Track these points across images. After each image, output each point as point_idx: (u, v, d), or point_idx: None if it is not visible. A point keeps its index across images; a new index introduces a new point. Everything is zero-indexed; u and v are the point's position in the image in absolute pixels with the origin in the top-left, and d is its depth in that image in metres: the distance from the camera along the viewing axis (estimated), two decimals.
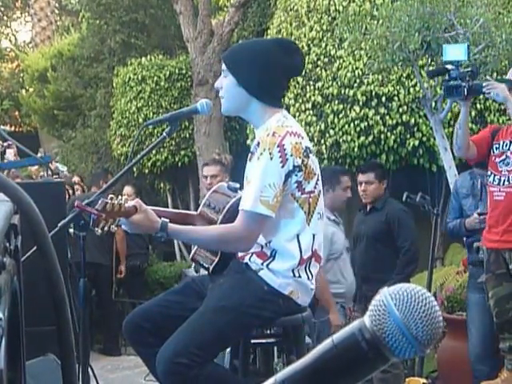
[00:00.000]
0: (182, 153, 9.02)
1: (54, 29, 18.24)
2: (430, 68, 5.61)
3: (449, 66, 4.19)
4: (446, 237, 6.05)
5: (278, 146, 2.61)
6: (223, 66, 2.83)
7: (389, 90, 6.32)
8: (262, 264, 2.71)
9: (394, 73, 6.23)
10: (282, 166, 2.62)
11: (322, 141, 6.51)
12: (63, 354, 1.08)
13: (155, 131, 8.74)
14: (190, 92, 9.04)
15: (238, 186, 3.02)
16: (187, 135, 8.99)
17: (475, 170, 4.70)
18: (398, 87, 6.31)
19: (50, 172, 6.35)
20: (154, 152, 8.60)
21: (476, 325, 4.62)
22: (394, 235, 5.17)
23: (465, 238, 4.93)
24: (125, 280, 7.60)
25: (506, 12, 5.82)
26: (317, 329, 4.50)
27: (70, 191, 7.78)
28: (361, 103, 6.37)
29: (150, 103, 9.15)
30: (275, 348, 4.42)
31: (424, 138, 6.28)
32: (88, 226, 2.80)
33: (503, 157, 4.14)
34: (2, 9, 22.35)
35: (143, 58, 9.48)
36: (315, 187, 2.73)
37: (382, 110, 6.32)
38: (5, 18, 22.69)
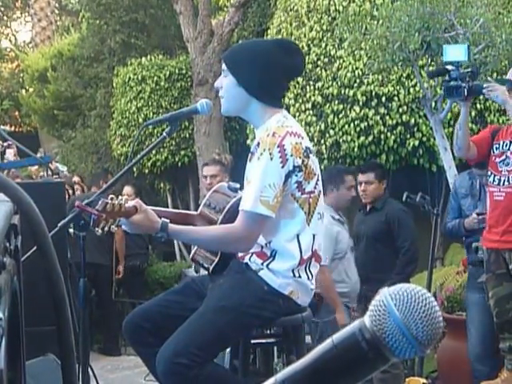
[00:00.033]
0: (182, 153, 9.03)
1: (53, 29, 18.25)
2: (430, 68, 5.62)
3: (449, 67, 4.19)
4: (445, 237, 6.05)
5: (278, 147, 2.61)
6: (223, 66, 2.83)
7: (389, 90, 6.32)
8: (262, 264, 2.71)
9: (394, 73, 6.23)
10: (282, 167, 2.61)
11: (322, 141, 6.51)
12: (63, 354, 1.08)
13: (155, 131, 8.74)
14: (189, 92, 9.05)
15: (238, 186, 3.02)
16: (187, 135, 8.99)
17: (474, 170, 4.70)
18: (398, 87, 6.32)
19: (49, 172, 6.35)
20: (154, 152, 8.60)
21: (475, 325, 4.62)
22: (393, 235, 5.17)
23: (464, 238, 4.93)
24: (125, 280, 7.60)
25: (506, 12, 5.82)
26: (319, 329, 4.50)
27: (70, 191, 7.78)
28: (361, 103, 6.37)
29: (149, 103, 9.15)
30: (275, 348, 4.43)
31: (424, 138, 6.28)
32: (88, 226, 2.80)
33: (503, 157, 4.14)
34: (2, 9, 22.36)
35: (143, 58, 9.48)
36: (315, 187, 2.73)
37: (382, 110, 6.32)
38: (5, 18, 22.69)
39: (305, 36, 6.85)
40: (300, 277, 2.71)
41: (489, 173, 4.20)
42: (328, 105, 6.52)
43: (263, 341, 3.16)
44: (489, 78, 4.10)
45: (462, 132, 4.15)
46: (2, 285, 0.93)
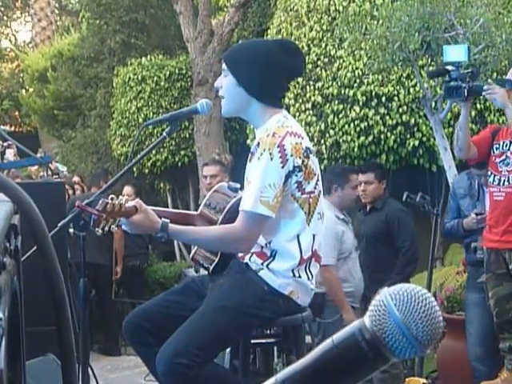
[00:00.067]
0: (182, 153, 9.03)
1: (54, 29, 18.24)
2: (430, 68, 5.62)
3: (449, 67, 4.19)
4: (446, 237, 6.05)
5: (278, 147, 2.61)
6: (223, 66, 2.83)
7: (389, 90, 6.32)
8: (262, 264, 2.71)
9: (394, 73, 6.23)
10: (282, 167, 2.61)
11: (322, 141, 6.51)
12: (63, 354, 1.08)
13: (155, 131, 8.74)
14: (189, 92, 9.04)
15: (238, 186, 3.02)
16: (187, 135, 8.99)
17: (472, 170, 4.70)
18: (398, 87, 6.32)
19: (49, 172, 6.35)
20: (153, 152, 8.60)
21: (474, 325, 4.62)
22: (393, 235, 5.17)
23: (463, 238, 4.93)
24: (125, 280, 7.60)
25: (506, 12, 5.82)
26: (322, 330, 4.50)
27: (70, 191, 7.77)
28: (361, 103, 6.37)
29: (150, 103, 9.15)
30: (275, 348, 4.43)
31: (424, 138, 6.28)
32: (88, 226, 2.80)
33: (503, 157, 4.14)
34: (2, 9, 22.36)
35: (143, 58, 9.48)
36: (315, 187, 2.73)
37: (382, 110, 6.32)
38: (5, 18, 22.69)
39: (305, 36, 6.85)
40: (300, 277, 2.71)
41: (489, 173, 4.20)
42: (328, 105, 6.51)
43: (263, 341, 3.16)
44: (489, 80, 4.09)
45: (462, 133, 4.15)
46: (2, 285, 0.93)
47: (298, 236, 2.69)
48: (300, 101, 6.70)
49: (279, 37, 6.93)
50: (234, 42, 8.65)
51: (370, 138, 6.34)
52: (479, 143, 4.24)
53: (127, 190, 7.53)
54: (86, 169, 10.60)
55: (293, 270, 2.70)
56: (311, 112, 6.61)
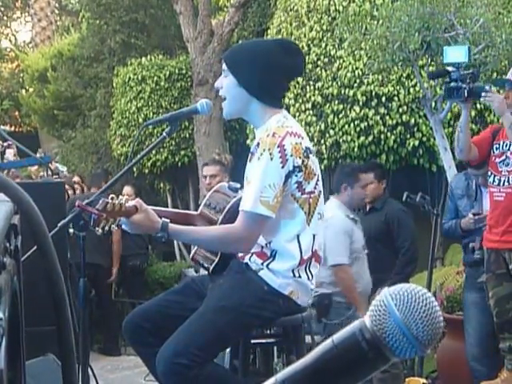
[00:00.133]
0: (182, 153, 9.03)
1: (54, 29, 18.25)
2: (430, 68, 5.62)
3: (449, 68, 4.19)
4: (445, 237, 6.05)
5: (278, 147, 2.61)
6: (224, 66, 2.83)
7: (389, 90, 6.32)
8: (262, 264, 2.71)
9: (394, 73, 6.23)
10: (282, 167, 2.61)
11: (322, 141, 6.51)
12: (63, 354, 1.07)
13: (155, 131, 8.75)
14: (189, 92, 9.05)
15: (238, 186, 3.02)
16: (187, 135, 8.99)
17: (469, 170, 4.69)
18: (398, 87, 6.32)
19: (49, 172, 6.35)
20: (153, 152, 8.60)
21: (473, 325, 4.62)
22: (393, 235, 5.17)
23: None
24: (125, 280, 7.61)
25: (506, 12, 5.82)
26: (327, 330, 4.49)
27: (70, 191, 7.77)
28: (361, 103, 6.37)
29: (150, 103, 9.15)
30: (275, 348, 4.42)
31: (424, 138, 6.29)
32: (88, 226, 2.80)
33: (503, 157, 4.14)
34: (2, 9, 22.36)
35: (143, 58, 9.48)
36: (315, 187, 2.73)
37: (382, 110, 6.32)
38: (5, 18, 22.70)
39: (305, 36, 6.85)
40: (300, 277, 2.71)
41: (489, 173, 4.20)
42: (328, 105, 6.52)
43: (263, 341, 3.16)
44: (486, 87, 4.08)
45: (463, 134, 4.15)
46: (2, 285, 0.93)
47: (298, 236, 2.69)
48: (300, 101, 6.70)
49: (279, 37, 6.93)
50: (234, 42, 8.66)
51: (370, 138, 6.34)
52: (480, 144, 4.24)
53: (127, 190, 7.53)
54: (85, 169, 10.60)
55: (293, 270, 2.69)
56: (311, 112, 6.61)
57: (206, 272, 2.96)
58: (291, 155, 2.62)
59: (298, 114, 6.59)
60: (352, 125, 6.38)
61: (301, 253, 2.69)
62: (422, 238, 5.40)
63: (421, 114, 6.20)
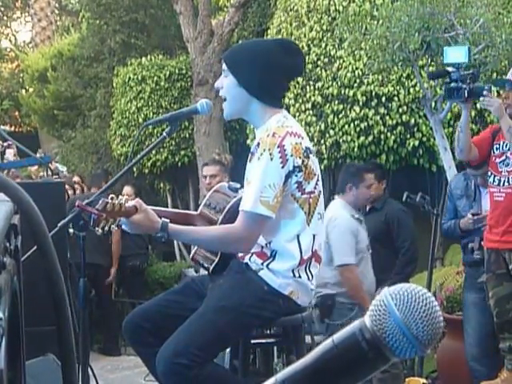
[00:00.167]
0: (182, 153, 9.03)
1: (54, 29, 18.25)
2: (430, 68, 5.62)
3: (450, 68, 4.19)
4: (445, 237, 6.05)
5: (278, 147, 2.61)
6: (224, 66, 2.83)
7: (389, 90, 6.32)
8: (262, 264, 2.71)
9: (394, 73, 6.23)
10: (282, 167, 2.61)
11: (322, 141, 6.51)
12: (63, 354, 1.07)
13: (155, 131, 8.74)
14: (189, 92, 9.05)
15: (238, 186, 3.02)
16: (187, 135, 8.99)
17: (468, 170, 4.70)
18: (398, 87, 6.32)
19: (49, 172, 6.35)
20: (153, 152, 8.60)
21: (472, 325, 4.62)
22: (393, 235, 5.17)
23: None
24: (125, 280, 7.61)
25: (506, 12, 5.82)
26: (330, 331, 4.48)
27: (70, 191, 7.77)
28: (361, 103, 6.37)
29: (150, 103, 9.15)
30: (275, 348, 4.42)
31: (424, 138, 6.28)
32: (87, 226, 2.80)
33: (503, 157, 4.14)
34: (2, 9, 22.36)
35: (143, 58, 9.48)
36: (315, 187, 2.73)
37: (382, 110, 6.32)
38: (5, 18, 22.70)
39: (305, 36, 6.85)
40: (300, 277, 2.71)
41: (489, 173, 4.20)
42: (328, 105, 6.52)
43: (263, 341, 3.16)
44: (486, 88, 4.08)
45: (463, 134, 4.15)
46: (2, 285, 0.93)
47: (298, 236, 2.69)
48: (300, 101, 6.70)
49: (279, 37, 6.92)
50: (234, 42, 8.65)
51: (370, 138, 6.34)
52: (480, 144, 4.24)
53: (127, 190, 7.53)
54: (85, 169, 10.60)
55: (293, 270, 2.69)
56: (311, 112, 6.61)
57: (206, 272, 2.96)
58: (291, 155, 2.62)
59: (298, 113, 6.59)
60: (352, 125, 6.38)
61: (301, 253, 2.69)
62: (422, 238, 5.40)
63: (421, 114, 6.20)
